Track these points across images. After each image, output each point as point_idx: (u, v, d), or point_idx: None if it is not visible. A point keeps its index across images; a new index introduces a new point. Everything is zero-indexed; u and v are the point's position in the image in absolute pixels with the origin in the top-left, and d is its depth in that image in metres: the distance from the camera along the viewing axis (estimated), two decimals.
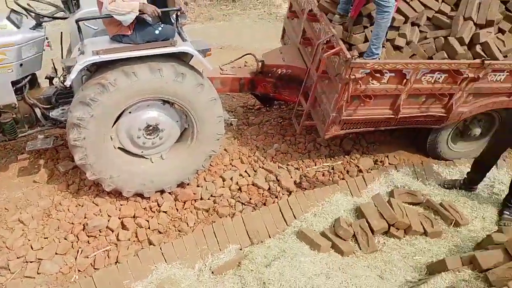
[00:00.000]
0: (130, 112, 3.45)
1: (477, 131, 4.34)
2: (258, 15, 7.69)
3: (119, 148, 3.63)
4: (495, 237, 3.13)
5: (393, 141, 4.74)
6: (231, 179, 4.09)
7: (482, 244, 3.19)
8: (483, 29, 3.93)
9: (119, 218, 3.64)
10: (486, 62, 3.64)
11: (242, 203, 3.89)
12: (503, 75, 3.80)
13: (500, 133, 3.70)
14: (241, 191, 3.99)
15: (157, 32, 3.24)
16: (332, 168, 4.39)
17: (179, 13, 3.31)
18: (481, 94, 3.94)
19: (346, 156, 4.55)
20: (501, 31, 4.09)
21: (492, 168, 3.87)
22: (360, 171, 4.36)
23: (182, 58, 3.45)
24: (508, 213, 3.62)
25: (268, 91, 4.38)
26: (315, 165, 4.41)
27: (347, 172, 4.36)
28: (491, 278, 2.71)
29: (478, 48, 3.87)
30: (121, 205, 3.76)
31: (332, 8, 4.03)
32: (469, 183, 3.90)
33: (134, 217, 3.68)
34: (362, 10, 4.00)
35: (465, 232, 3.46)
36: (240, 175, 4.16)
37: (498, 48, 3.89)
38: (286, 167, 4.32)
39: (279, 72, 4.24)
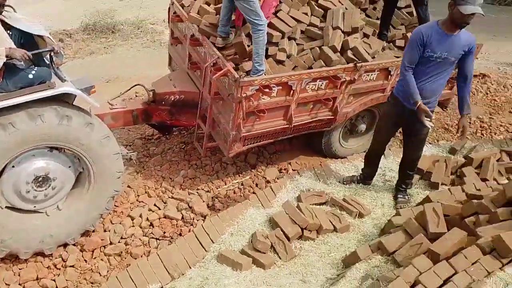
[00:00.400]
0: (13, 166, 3.12)
1: (363, 127, 4.77)
2: (142, 44, 7.55)
3: (6, 207, 3.25)
4: (395, 220, 3.45)
5: (293, 148, 4.98)
6: (140, 216, 3.91)
7: (385, 229, 3.48)
8: (351, 36, 4.34)
9: (19, 284, 3.27)
10: (358, 65, 4.02)
11: (157, 239, 3.74)
12: (374, 74, 4.24)
13: (380, 126, 4.10)
14: (153, 227, 3.84)
15: (30, 76, 2.99)
16: (242, 184, 4.46)
17: (53, 53, 3.10)
18: (360, 94, 4.34)
19: (253, 170, 4.66)
20: (365, 35, 4.56)
21: (382, 159, 4.27)
22: (268, 182, 4.49)
23: (64, 99, 3.24)
24: (401, 196, 4.02)
25: (165, 119, 4.31)
26: (225, 184, 4.44)
27: (256, 185, 4.46)
28: (398, 259, 2.95)
29: (349, 53, 4.25)
30: (19, 269, 3.37)
31: (213, 31, 4.12)
32: (365, 178, 4.24)
33: (37, 279, 3.33)
34: (242, 30, 4.17)
35: (369, 221, 3.74)
36: (150, 209, 4.00)
37: (366, 51, 4.32)
38: (197, 192, 4.27)
39: (172, 99, 4.20)
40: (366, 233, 3.58)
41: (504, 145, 5.03)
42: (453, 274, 2.54)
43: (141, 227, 3.83)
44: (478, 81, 6.46)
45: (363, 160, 4.29)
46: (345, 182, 4.27)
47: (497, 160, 4.39)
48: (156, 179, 4.38)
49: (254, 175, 4.58)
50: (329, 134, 4.62)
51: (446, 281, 2.50)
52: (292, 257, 3.34)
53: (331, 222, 3.60)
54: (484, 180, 4.02)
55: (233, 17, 4.15)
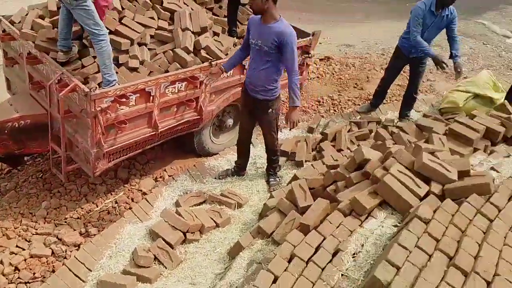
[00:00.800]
0: None
1: (230, 121, 4.90)
2: None
3: None
4: (269, 203, 3.62)
5: (166, 154, 4.87)
6: (1, 262, 3.43)
7: (262, 213, 3.65)
8: (201, 36, 4.42)
9: None
10: (213, 63, 4.10)
11: (26, 283, 3.33)
12: (231, 70, 4.38)
13: (240, 118, 4.28)
14: (19, 270, 3.40)
15: None
16: (116, 202, 4.20)
17: None
18: (221, 91, 4.44)
19: (126, 185, 4.43)
20: (215, 34, 4.69)
21: (251, 148, 4.46)
22: (145, 193, 4.32)
23: None
24: (272, 179, 4.26)
25: (11, 149, 3.84)
26: (97, 206, 4.13)
27: (132, 200, 4.25)
28: (277, 238, 3.10)
29: (203, 52, 4.33)
30: None
31: (52, 46, 3.80)
32: (239, 170, 4.39)
33: None
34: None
35: (248, 209, 3.88)
36: (12, 252, 3.52)
37: (219, 49, 4.44)
38: (65, 221, 3.91)
39: (16, 126, 3.76)
40: (247, 221, 3.71)
41: (352, 117, 5.68)
42: (323, 240, 2.77)
43: (4, 275, 3.35)
44: (324, 64, 7.15)
45: (235, 153, 4.42)
46: (220, 177, 4.35)
47: (348, 131, 4.94)
48: (14, 217, 3.88)
49: (129, 190, 4.36)
50: (199, 133, 4.64)
51: (317, 248, 2.72)
52: (178, 264, 3.28)
53: (212, 219, 3.64)
54: (339, 150, 4.48)
55: (75, 28, 3.89)
